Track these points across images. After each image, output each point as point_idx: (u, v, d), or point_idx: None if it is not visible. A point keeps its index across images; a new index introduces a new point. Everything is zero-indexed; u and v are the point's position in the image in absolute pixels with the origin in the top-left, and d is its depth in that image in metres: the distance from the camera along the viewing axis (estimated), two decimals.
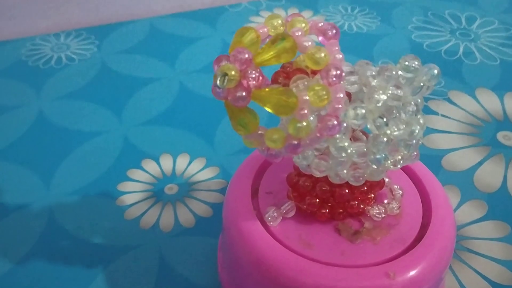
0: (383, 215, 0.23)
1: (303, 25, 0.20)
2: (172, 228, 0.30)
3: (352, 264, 0.22)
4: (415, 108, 0.21)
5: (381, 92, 0.20)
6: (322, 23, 0.21)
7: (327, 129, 0.19)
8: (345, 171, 0.22)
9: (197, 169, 0.34)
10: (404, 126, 0.20)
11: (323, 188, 0.23)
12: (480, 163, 0.35)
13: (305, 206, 0.23)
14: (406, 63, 0.21)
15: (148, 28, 0.50)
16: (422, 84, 0.21)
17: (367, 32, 0.49)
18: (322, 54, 0.19)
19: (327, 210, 0.23)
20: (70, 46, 0.47)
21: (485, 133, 0.37)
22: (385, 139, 0.20)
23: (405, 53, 0.46)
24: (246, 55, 0.19)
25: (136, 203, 0.32)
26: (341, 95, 0.19)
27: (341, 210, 0.23)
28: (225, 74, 0.19)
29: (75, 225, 0.31)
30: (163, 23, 0.51)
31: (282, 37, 0.19)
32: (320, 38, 0.21)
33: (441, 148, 0.36)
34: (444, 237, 0.23)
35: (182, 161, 0.35)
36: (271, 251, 0.22)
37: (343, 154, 0.21)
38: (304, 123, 0.19)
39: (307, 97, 0.19)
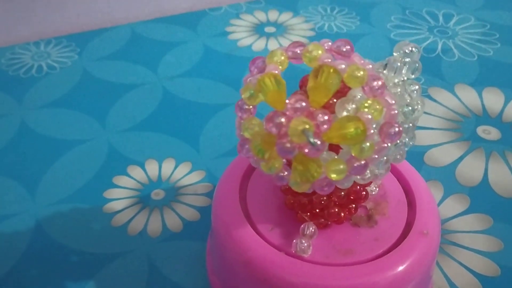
0: (377, 188, 0.24)
1: (320, 51, 0.19)
2: (160, 233, 0.30)
3: (392, 245, 0.22)
4: (417, 87, 0.22)
5: (394, 83, 0.21)
6: (330, 43, 0.20)
7: (391, 136, 0.19)
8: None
9: (183, 174, 0.34)
10: (419, 106, 0.21)
11: (338, 194, 0.22)
12: (461, 158, 0.35)
13: (322, 220, 0.23)
14: (403, 51, 0.22)
15: (129, 34, 0.50)
16: (417, 64, 0.22)
17: (347, 32, 0.50)
18: (361, 72, 0.18)
19: (343, 213, 0.23)
20: (51, 54, 0.47)
21: (465, 128, 0.38)
22: (411, 124, 0.21)
23: (385, 51, 0.47)
24: (304, 103, 0.18)
25: (123, 209, 0.32)
26: (393, 101, 0.19)
27: (352, 205, 0.23)
28: (307, 130, 0.17)
29: (62, 234, 0.31)
30: (144, 28, 0.51)
31: (322, 70, 0.18)
32: (334, 55, 0.20)
33: (423, 145, 0.36)
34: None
35: (167, 166, 0.35)
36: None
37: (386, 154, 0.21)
38: (368, 143, 0.18)
39: (370, 116, 0.18)
